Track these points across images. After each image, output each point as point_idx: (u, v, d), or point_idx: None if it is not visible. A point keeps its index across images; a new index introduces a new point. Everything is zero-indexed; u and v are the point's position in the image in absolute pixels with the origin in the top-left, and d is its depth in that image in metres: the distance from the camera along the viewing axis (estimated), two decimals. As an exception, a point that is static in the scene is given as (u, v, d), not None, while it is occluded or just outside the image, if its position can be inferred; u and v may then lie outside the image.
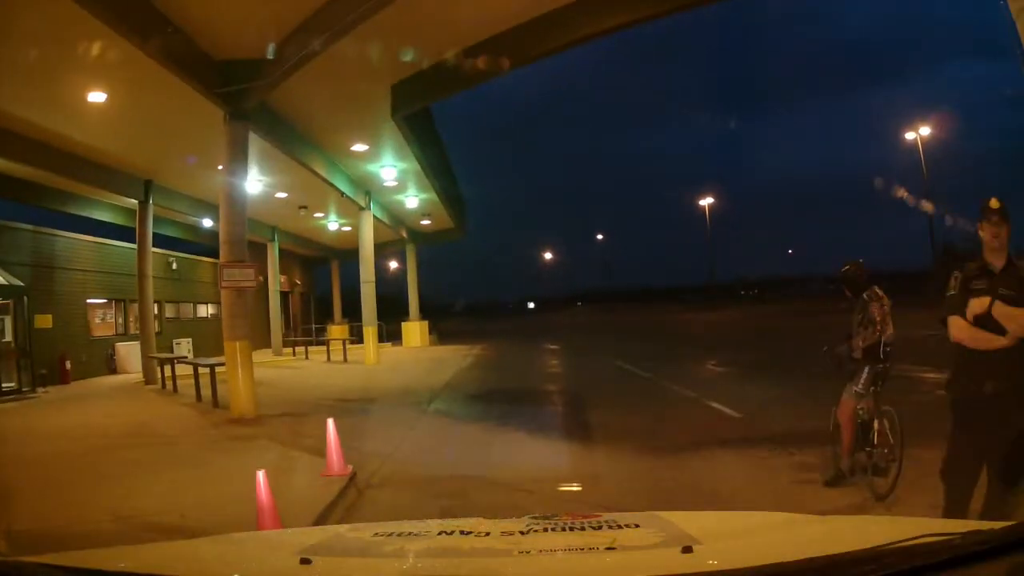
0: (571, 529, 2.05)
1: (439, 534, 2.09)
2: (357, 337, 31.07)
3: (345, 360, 21.06)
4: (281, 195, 20.88)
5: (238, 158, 11.85)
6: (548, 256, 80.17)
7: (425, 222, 26.34)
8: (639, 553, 1.83)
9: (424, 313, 62.65)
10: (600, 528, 2.05)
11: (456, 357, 20.74)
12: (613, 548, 1.85)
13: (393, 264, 39.68)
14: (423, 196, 21.26)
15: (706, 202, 53.16)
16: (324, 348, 23.87)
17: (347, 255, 34.88)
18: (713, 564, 1.61)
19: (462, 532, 2.05)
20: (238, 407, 10.99)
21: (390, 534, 2.11)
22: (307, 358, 23.79)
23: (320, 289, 43.44)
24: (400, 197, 21.28)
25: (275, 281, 26.92)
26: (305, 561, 1.72)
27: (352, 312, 45.12)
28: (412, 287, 29.48)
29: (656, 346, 22.96)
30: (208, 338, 26.16)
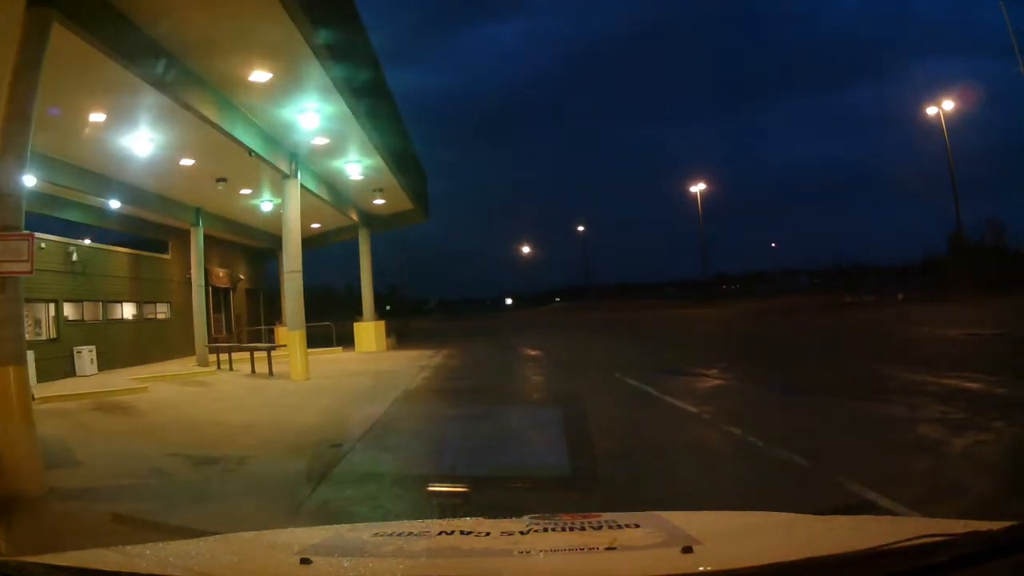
0: (571, 529, 2.04)
1: (439, 534, 2.07)
2: (317, 341, 26.62)
3: (270, 373, 16.44)
4: (187, 162, 16.19)
5: (29, 61, 7.42)
6: (527, 252, 76.32)
7: (379, 201, 21.65)
8: (639, 553, 1.83)
9: (396, 310, 58.70)
10: (600, 528, 2.03)
11: (410, 369, 16.14)
12: (613, 548, 1.84)
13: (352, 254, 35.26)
14: (368, 163, 16.63)
15: (698, 189, 49.10)
16: (265, 356, 19.03)
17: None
18: (713, 564, 1.59)
19: (462, 532, 2.04)
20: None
21: (390, 534, 2.13)
22: (231, 368, 19.21)
23: (272, 285, 38.50)
24: (338, 164, 16.63)
25: (199, 274, 22.14)
26: (305, 561, 1.73)
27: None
28: (366, 280, 24.61)
29: (671, 353, 18.26)
30: (121, 345, 21.75)
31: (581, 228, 79.24)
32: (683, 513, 2.29)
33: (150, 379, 16.64)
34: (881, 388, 9.39)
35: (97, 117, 12.91)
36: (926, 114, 38.80)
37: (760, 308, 43.17)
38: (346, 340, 24.81)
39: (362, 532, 2.31)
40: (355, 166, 16.71)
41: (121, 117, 12.96)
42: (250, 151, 13.36)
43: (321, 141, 14.43)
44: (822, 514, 2.20)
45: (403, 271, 65.83)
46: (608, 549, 1.83)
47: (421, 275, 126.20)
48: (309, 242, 29.66)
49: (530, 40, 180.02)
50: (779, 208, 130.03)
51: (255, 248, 32.08)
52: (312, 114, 12.71)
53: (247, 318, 32.33)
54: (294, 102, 12.32)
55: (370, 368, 16.82)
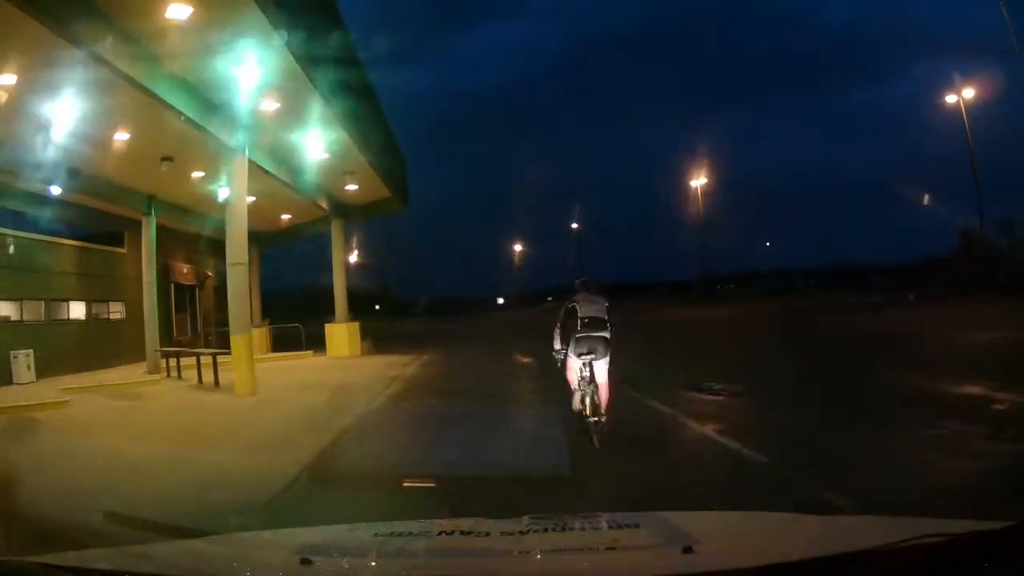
0: (571, 529, 2.03)
1: (439, 534, 2.06)
2: (284, 343, 24.10)
3: (216, 384, 14.07)
4: (121, 136, 13.83)
5: None
6: (519, 252, 73.85)
7: (351, 187, 19.15)
8: (639, 553, 1.82)
9: (383, 311, 55.93)
10: (600, 528, 2.05)
11: (378, 381, 13.68)
12: (613, 548, 1.85)
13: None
14: (330, 137, 14.21)
15: (698, 184, 47.00)
16: (227, 362, 16.44)
17: (270, 240, 27.73)
18: (713, 564, 1.59)
19: (462, 532, 2.02)
20: None
21: (390, 534, 2.11)
22: (180, 376, 16.86)
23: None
24: (295, 137, 14.20)
25: (150, 270, 19.74)
26: (305, 561, 1.72)
27: (280, 311, 38.15)
28: (338, 277, 21.91)
29: (690, 363, 15.05)
30: (66, 349, 19.46)
31: (575, 225, 76.22)
32: (683, 513, 2.28)
33: (81, 390, 14.48)
34: (966, 411, 7.13)
35: (7, 80, 10.63)
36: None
37: (768, 309, 40.78)
38: (322, 342, 22.37)
39: (362, 532, 2.26)
40: (315, 140, 14.25)
41: (33, 78, 10.63)
42: (181, 115, 10.99)
43: (270, 106, 12.03)
44: (822, 514, 2.20)
45: (376, 263, 62.91)
46: (608, 549, 1.84)
47: (413, 274, 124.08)
48: (279, 236, 27.34)
49: (527, 40, 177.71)
50: (768, 208, 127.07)
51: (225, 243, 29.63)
52: (252, 67, 10.31)
53: (216, 318, 29.75)
54: (227, 49, 9.91)
55: (332, 379, 14.35)
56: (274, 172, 15.05)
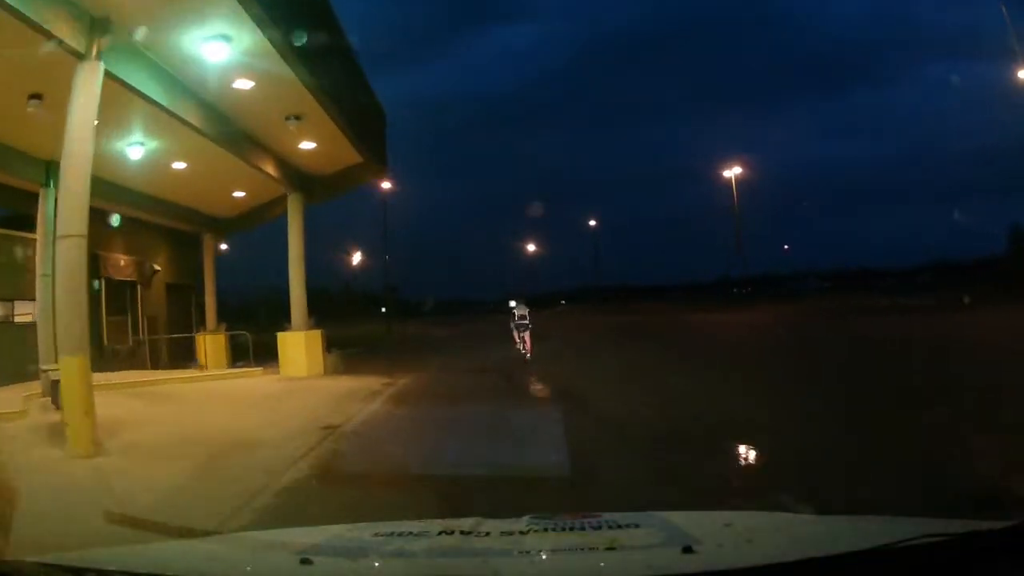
0: (571, 529, 2.01)
1: (439, 534, 2.03)
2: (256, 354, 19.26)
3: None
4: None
5: None
6: (531, 253, 69.82)
7: (306, 145, 14.02)
8: (639, 553, 1.80)
9: (389, 313, 50.88)
10: (600, 528, 2.00)
11: (305, 434, 7.90)
12: (613, 548, 1.81)
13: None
14: (244, 44, 8.98)
15: (733, 174, 42.33)
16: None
17: (226, 225, 22.96)
18: (713, 564, 1.57)
19: (462, 532, 2.00)
20: None
21: (390, 534, 2.09)
22: (58, 408, 11.92)
23: (220, 280, 30.43)
24: (188, 41, 9.02)
25: (46, 259, 14.82)
26: (305, 561, 1.71)
27: (263, 314, 33.21)
28: (296, 269, 16.41)
29: (762, 388, 10.51)
30: None
31: (593, 223, 71.13)
32: (683, 513, 2.27)
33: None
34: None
35: None
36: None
37: (808, 312, 35.86)
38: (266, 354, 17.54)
39: (362, 532, 2.23)
40: (218, 47, 9.01)
41: None
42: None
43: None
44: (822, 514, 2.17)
45: (382, 263, 58.23)
46: (608, 549, 1.79)
47: (423, 276, 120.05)
48: (238, 221, 22.43)
49: (539, 41, 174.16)
50: (780, 211, 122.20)
51: (183, 232, 24.45)
52: None
53: (170, 322, 24.69)
54: None
55: (242, 424, 8.99)
56: (168, 105, 9.91)
